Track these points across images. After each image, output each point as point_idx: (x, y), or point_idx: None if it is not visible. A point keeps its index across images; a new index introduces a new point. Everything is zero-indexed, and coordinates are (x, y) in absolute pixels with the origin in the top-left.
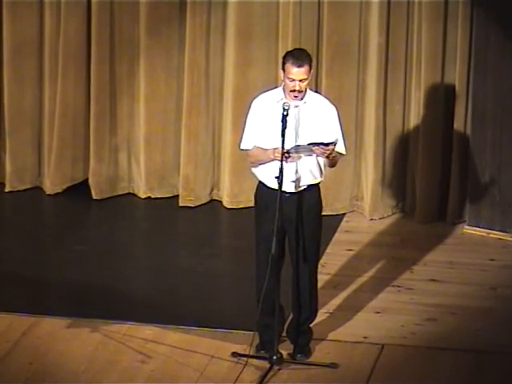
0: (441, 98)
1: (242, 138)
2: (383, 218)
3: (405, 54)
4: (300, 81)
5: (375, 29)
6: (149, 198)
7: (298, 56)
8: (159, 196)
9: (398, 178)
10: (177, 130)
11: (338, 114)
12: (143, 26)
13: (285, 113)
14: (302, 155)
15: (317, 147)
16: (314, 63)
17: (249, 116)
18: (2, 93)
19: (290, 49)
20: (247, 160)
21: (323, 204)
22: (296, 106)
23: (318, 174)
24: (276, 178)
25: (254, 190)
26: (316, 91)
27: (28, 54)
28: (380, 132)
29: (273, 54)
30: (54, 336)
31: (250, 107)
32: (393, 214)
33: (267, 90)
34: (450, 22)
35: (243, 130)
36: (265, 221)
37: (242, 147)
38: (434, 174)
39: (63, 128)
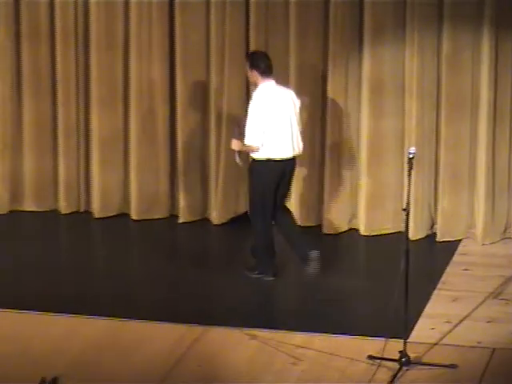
0: None
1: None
2: (493, 242)
3: (510, 104)
4: None
5: (485, 84)
6: (298, 226)
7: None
8: (307, 225)
9: (506, 209)
10: (320, 169)
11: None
12: (292, 81)
13: None
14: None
15: None
16: (434, 114)
17: None
18: (175, 139)
19: (415, 102)
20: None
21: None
22: None
23: None
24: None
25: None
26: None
27: None
28: (490, 171)
29: (400, 107)
30: (220, 343)
31: None
32: (501, 239)
33: None
34: None
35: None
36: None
37: None
38: None
39: (227, 170)
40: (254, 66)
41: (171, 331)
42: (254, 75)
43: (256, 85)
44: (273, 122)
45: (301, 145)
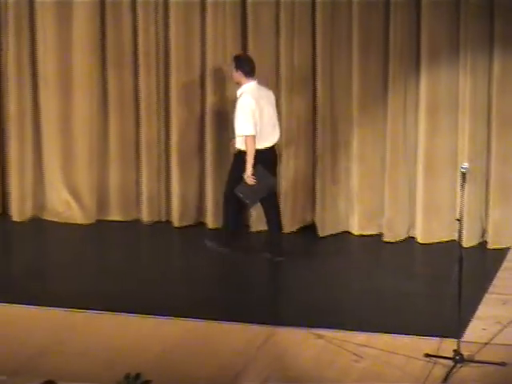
0: None
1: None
2: None
3: None
4: None
5: None
6: (361, 235)
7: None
8: (369, 233)
9: None
10: (381, 182)
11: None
12: (355, 102)
13: None
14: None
15: None
16: (485, 130)
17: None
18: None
19: (467, 119)
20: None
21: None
22: None
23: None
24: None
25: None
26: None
27: None
28: None
29: (454, 125)
30: (289, 342)
31: None
32: None
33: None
34: None
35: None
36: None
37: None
38: None
39: (295, 183)
40: (239, 67)
41: (244, 331)
42: (238, 75)
43: (240, 84)
44: (257, 116)
45: (278, 135)
